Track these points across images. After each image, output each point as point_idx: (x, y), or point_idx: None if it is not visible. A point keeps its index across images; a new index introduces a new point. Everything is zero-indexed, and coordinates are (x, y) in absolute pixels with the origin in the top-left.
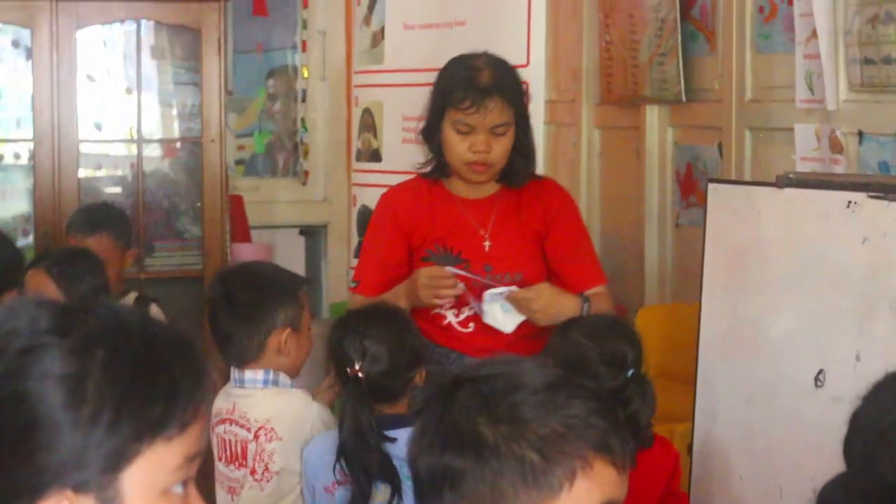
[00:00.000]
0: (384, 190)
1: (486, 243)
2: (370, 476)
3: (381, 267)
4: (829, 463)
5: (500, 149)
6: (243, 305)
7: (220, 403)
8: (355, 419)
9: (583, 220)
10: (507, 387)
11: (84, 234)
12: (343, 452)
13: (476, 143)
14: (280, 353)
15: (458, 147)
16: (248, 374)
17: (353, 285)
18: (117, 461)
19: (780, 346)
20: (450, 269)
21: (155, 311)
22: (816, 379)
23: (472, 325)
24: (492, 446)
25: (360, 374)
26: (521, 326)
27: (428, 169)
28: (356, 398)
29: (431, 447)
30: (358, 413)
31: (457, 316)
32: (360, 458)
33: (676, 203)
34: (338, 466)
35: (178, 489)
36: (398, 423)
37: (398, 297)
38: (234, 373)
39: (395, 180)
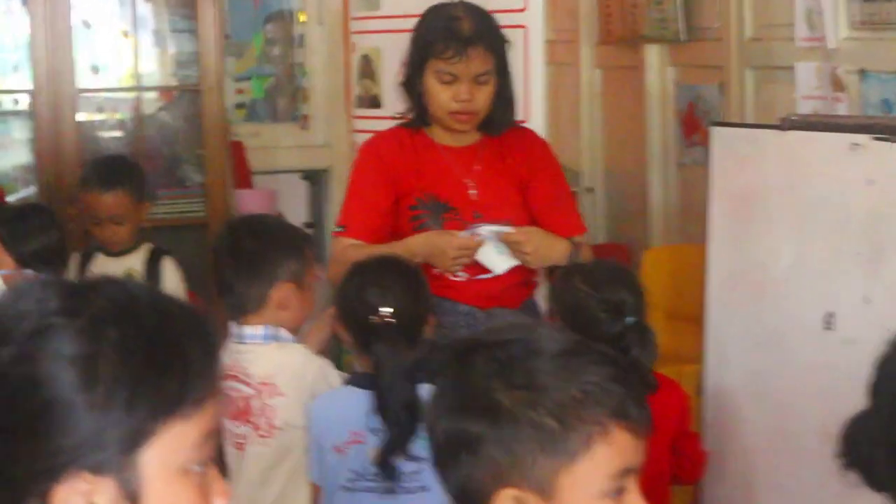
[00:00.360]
0: None
1: (472, 192)
2: (415, 420)
3: (370, 212)
4: (840, 405)
5: (482, 97)
6: (248, 255)
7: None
8: (397, 363)
9: (561, 169)
10: (524, 352)
11: (100, 190)
12: (382, 401)
13: (459, 93)
14: (281, 308)
15: (442, 96)
16: (248, 329)
17: (339, 230)
18: (134, 441)
19: (788, 289)
20: (467, 233)
21: (169, 262)
22: (826, 321)
23: (462, 274)
24: (508, 412)
25: (389, 320)
26: (511, 273)
27: (409, 118)
28: (394, 343)
29: (449, 412)
30: (399, 357)
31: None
32: (404, 402)
33: (679, 142)
34: (354, 423)
35: (197, 468)
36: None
37: (410, 251)
38: (234, 328)
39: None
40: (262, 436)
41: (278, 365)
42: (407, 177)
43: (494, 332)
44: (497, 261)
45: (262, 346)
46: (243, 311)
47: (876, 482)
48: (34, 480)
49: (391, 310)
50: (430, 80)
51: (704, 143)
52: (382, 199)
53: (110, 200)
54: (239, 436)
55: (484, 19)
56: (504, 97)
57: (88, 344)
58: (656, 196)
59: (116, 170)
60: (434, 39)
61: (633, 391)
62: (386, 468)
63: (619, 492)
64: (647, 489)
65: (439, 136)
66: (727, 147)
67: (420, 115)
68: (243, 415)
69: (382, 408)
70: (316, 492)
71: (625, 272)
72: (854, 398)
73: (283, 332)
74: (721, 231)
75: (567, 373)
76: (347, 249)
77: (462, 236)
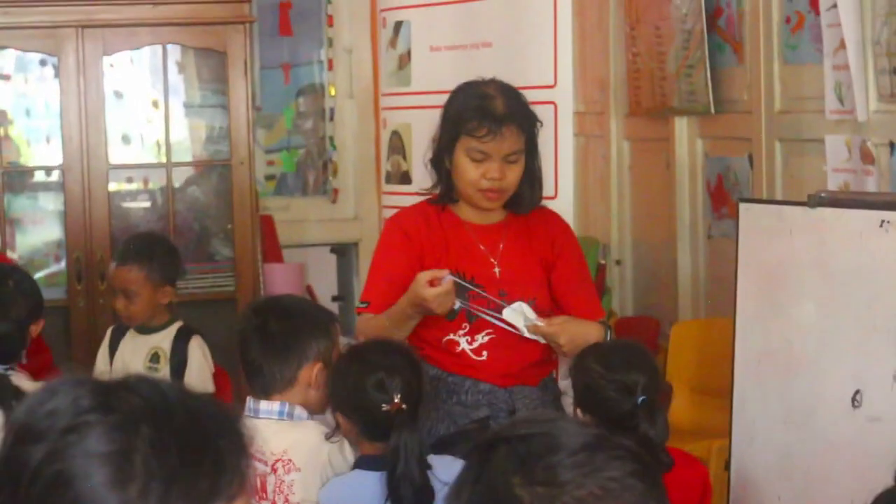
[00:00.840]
0: None
1: (497, 269)
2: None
3: (393, 286)
4: (868, 484)
5: (512, 176)
6: (276, 337)
7: None
8: (415, 450)
9: (582, 253)
10: (545, 447)
11: (117, 263)
12: (396, 486)
13: (490, 171)
14: (310, 387)
15: (472, 174)
16: (264, 405)
17: (362, 305)
18: None
19: (816, 366)
20: (450, 278)
21: (196, 342)
22: (853, 399)
23: (485, 353)
24: None
25: (403, 406)
26: (531, 352)
27: (435, 195)
28: (411, 429)
29: None
30: (415, 444)
31: (470, 343)
32: (417, 487)
33: (708, 215)
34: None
35: None
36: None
37: (404, 312)
38: (250, 402)
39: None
40: None
41: (294, 441)
42: (433, 252)
43: (515, 425)
44: (523, 326)
45: (276, 423)
46: (271, 390)
47: None
48: None
49: (398, 397)
50: (460, 157)
51: (734, 215)
52: (407, 275)
53: (122, 274)
54: None
55: (516, 98)
56: (532, 176)
57: (122, 441)
58: (685, 269)
59: (138, 245)
60: (467, 117)
61: (654, 487)
62: None
63: None
64: None
65: (465, 213)
66: (755, 223)
67: (447, 191)
68: (261, 490)
69: (395, 492)
70: None
71: (639, 353)
72: (881, 476)
73: (298, 410)
74: (749, 306)
75: (587, 468)
76: (370, 322)
77: (433, 276)
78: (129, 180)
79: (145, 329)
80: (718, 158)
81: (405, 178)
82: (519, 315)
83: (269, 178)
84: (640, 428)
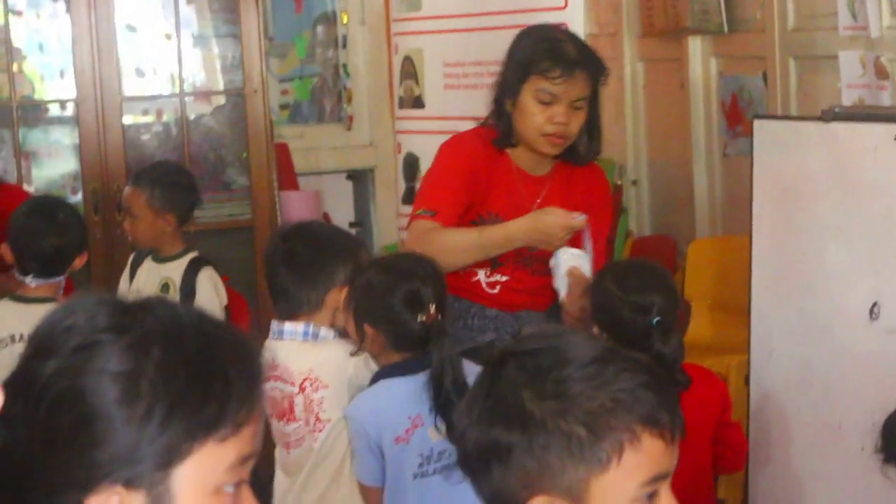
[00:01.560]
0: (428, 137)
1: None
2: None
3: (457, 202)
4: (887, 394)
5: (577, 123)
6: (304, 262)
7: (267, 354)
8: (454, 356)
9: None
10: (554, 361)
11: (128, 184)
12: (439, 393)
13: (557, 115)
14: (337, 311)
15: (538, 117)
16: (288, 325)
17: (427, 213)
18: (169, 458)
19: (834, 279)
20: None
21: (206, 274)
22: (871, 311)
23: (498, 287)
24: (539, 422)
25: (438, 317)
26: (539, 281)
27: (491, 126)
28: (447, 338)
29: (479, 422)
30: (454, 351)
31: (487, 277)
32: (457, 388)
33: (723, 133)
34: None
35: (230, 489)
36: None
37: (512, 236)
38: (274, 325)
39: (439, 126)
40: (310, 431)
41: (319, 359)
42: (478, 191)
43: (524, 340)
44: (562, 283)
45: (300, 344)
46: (298, 314)
47: None
48: (69, 490)
49: (433, 308)
50: (526, 98)
51: (748, 133)
52: (463, 199)
53: (127, 195)
54: (286, 434)
55: (586, 46)
56: (592, 127)
57: (132, 362)
58: (701, 187)
59: (148, 171)
60: (539, 58)
61: (665, 397)
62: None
63: (651, 497)
64: (691, 481)
65: (519, 159)
66: (770, 139)
67: (507, 136)
68: (289, 412)
69: (440, 397)
70: (374, 494)
71: (656, 273)
72: None
73: (324, 331)
74: (765, 223)
75: (597, 381)
76: (432, 232)
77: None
78: (144, 112)
79: (160, 258)
80: (732, 77)
81: (418, 103)
82: (569, 261)
83: (283, 107)
84: (653, 347)
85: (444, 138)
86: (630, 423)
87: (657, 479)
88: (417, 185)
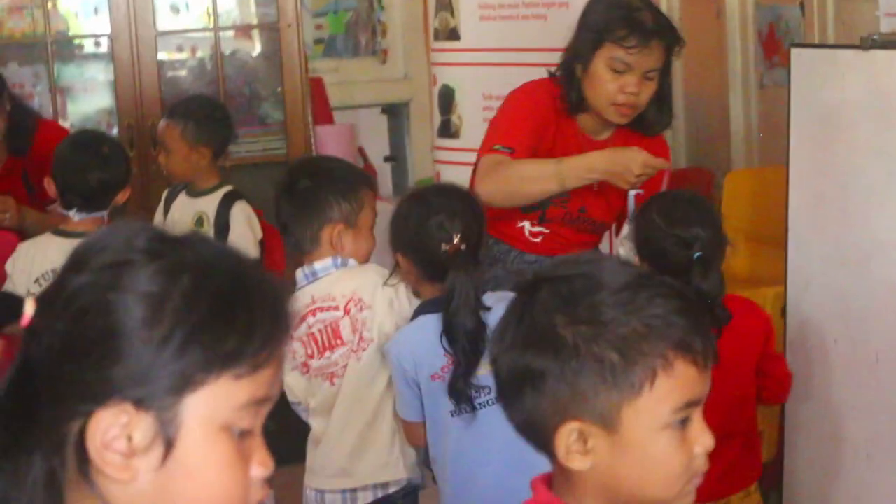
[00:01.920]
0: (464, 69)
1: (594, 184)
2: (479, 348)
3: (532, 142)
4: None
5: (647, 93)
6: (301, 196)
7: (300, 303)
8: (470, 290)
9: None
10: (587, 287)
11: (163, 118)
12: (449, 326)
13: (629, 84)
14: (333, 249)
15: (610, 86)
16: (317, 264)
17: (504, 150)
18: (181, 385)
19: (870, 208)
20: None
21: (240, 207)
22: None
23: (540, 237)
24: (571, 347)
25: (462, 247)
26: (580, 234)
27: (559, 75)
28: (468, 270)
29: (512, 347)
30: (471, 284)
31: (532, 226)
32: (472, 328)
33: (760, 64)
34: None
35: (240, 430)
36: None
37: (591, 168)
38: (304, 270)
39: (475, 58)
40: (354, 351)
41: (360, 282)
42: (543, 147)
43: (557, 266)
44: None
45: (337, 272)
46: (301, 250)
47: None
48: (82, 401)
49: (457, 238)
50: (599, 66)
51: (785, 64)
52: (535, 145)
53: (162, 129)
54: (331, 364)
55: (663, 15)
56: (662, 97)
57: (161, 285)
58: (737, 118)
59: (183, 104)
60: (615, 26)
61: (698, 323)
62: (458, 395)
63: (683, 423)
64: (733, 411)
65: (585, 123)
66: (808, 68)
67: (579, 102)
68: (335, 338)
69: (449, 334)
70: (415, 429)
71: (702, 207)
72: None
73: (352, 260)
74: (802, 153)
75: (630, 307)
76: (506, 162)
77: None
78: (179, 49)
79: (194, 192)
80: (769, 7)
81: (453, 35)
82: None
83: (318, 41)
84: (693, 282)
85: (480, 71)
86: (663, 349)
87: (690, 405)
88: (453, 118)
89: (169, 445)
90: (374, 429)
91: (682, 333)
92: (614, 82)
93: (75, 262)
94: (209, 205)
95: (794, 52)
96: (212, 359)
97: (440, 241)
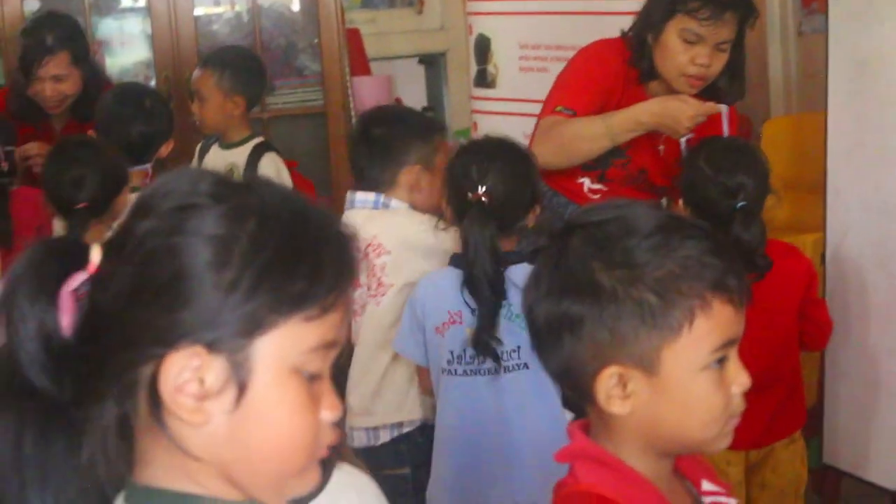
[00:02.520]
0: (500, 18)
1: (661, 147)
2: (499, 298)
3: (595, 102)
4: None
5: (718, 64)
6: (377, 140)
7: None
8: (482, 240)
9: None
10: (620, 231)
11: (198, 67)
12: (469, 277)
13: (700, 56)
14: (413, 190)
15: (681, 57)
16: (360, 195)
17: (567, 112)
18: (251, 327)
19: None
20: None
21: (269, 158)
22: None
23: (598, 195)
24: (609, 291)
25: (483, 199)
26: (641, 192)
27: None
28: (482, 220)
29: (549, 294)
30: (484, 234)
31: (592, 182)
32: (488, 278)
33: (798, 10)
34: (452, 302)
35: (310, 373)
36: (510, 259)
37: (636, 120)
38: (348, 196)
39: (510, 7)
40: (372, 296)
41: (383, 225)
42: (607, 110)
43: (589, 213)
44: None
45: (370, 211)
46: (375, 191)
47: None
48: (153, 344)
49: (482, 189)
50: (670, 36)
51: (823, 10)
52: (598, 109)
53: (197, 77)
54: (354, 302)
55: None
56: (735, 68)
57: (227, 227)
58: (775, 66)
59: (219, 53)
60: None
61: (732, 263)
62: (482, 348)
63: (721, 362)
64: (777, 355)
65: (653, 90)
66: (846, 13)
67: (648, 70)
68: None
69: (471, 285)
70: (422, 372)
71: (750, 156)
72: None
73: (395, 202)
74: (841, 98)
75: (665, 249)
76: (558, 124)
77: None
78: (216, 2)
79: (226, 144)
80: None
81: None
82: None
83: None
84: (733, 231)
85: (516, 20)
86: (700, 289)
87: (727, 344)
88: (489, 68)
89: (241, 388)
90: (392, 371)
91: (718, 273)
92: (686, 53)
93: (141, 208)
94: (240, 156)
95: None
96: (281, 301)
97: (465, 189)
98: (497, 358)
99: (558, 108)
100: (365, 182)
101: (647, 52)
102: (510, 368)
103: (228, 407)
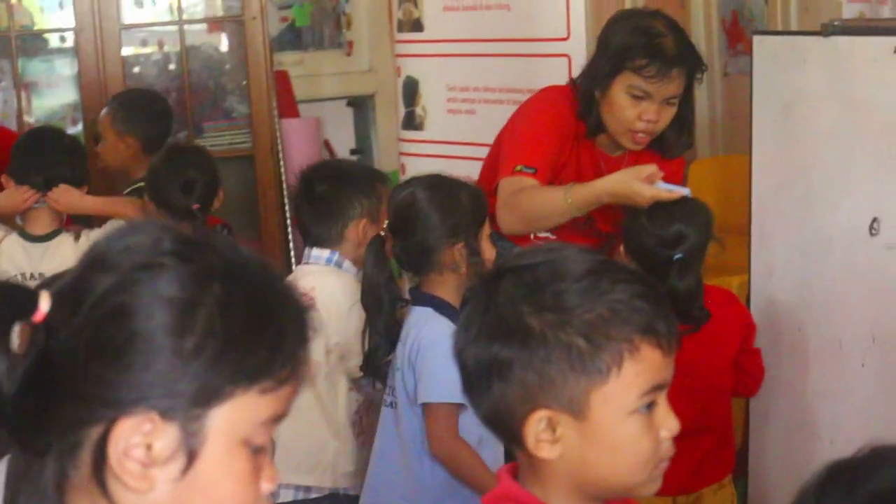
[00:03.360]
0: (428, 60)
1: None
2: (389, 336)
3: (554, 165)
4: (887, 312)
5: (666, 119)
6: (321, 197)
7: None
8: (371, 275)
9: None
10: (551, 275)
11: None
12: (365, 307)
13: (647, 112)
14: (360, 245)
15: (628, 112)
16: (316, 251)
17: (528, 171)
18: (209, 397)
19: (833, 195)
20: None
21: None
22: (871, 227)
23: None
24: (539, 335)
25: (381, 234)
26: (589, 237)
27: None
28: (374, 255)
29: (478, 338)
30: (373, 270)
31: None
32: (372, 316)
33: (724, 52)
34: None
35: (257, 446)
36: (418, 299)
37: (598, 197)
38: (306, 251)
39: (438, 49)
40: None
41: (324, 282)
42: (561, 160)
43: (520, 256)
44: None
45: (322, 267)
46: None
47: None
48: (106, 406)
49: (384, 224)
50: (617, 92)
51: (748, 52)
52: (557, 160)
53: (100, 115)
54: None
55: (685, 38)
56: (683, 120)
57: (192, 291)
58: (701, 107)
59: (122, 94)
60: (635, 54)
61: (661, 307)
62: (371, 371)
63: (650, 407)
64: (710, 404)
65: (601, 141)
66: (770, 55)
67: (595, 126)
68: None
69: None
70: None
71: (690, 205)
72: None
73: (347, 263)
74: (765, 140)
75: (594, 292)
76: (522, 192)
77: (660, 187)
78: (144, 43)
79: (134, 182)
80: None
81: (417, 26)
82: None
83: (284, 34)
84: (668, 280)
85: (444, 62)
86: (629, 333)
87: (656, 388)
88: (417, 110)
89: (191, 457)
90: (312, 431)
91: (647, 317)
92: (633, 109)
93: (98, 261)
94: None
95: (757, 39)
96: (241, 371)
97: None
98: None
99: (519, 168)
100: (311, 239)
101: (594, 107)
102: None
103: (175, 475)
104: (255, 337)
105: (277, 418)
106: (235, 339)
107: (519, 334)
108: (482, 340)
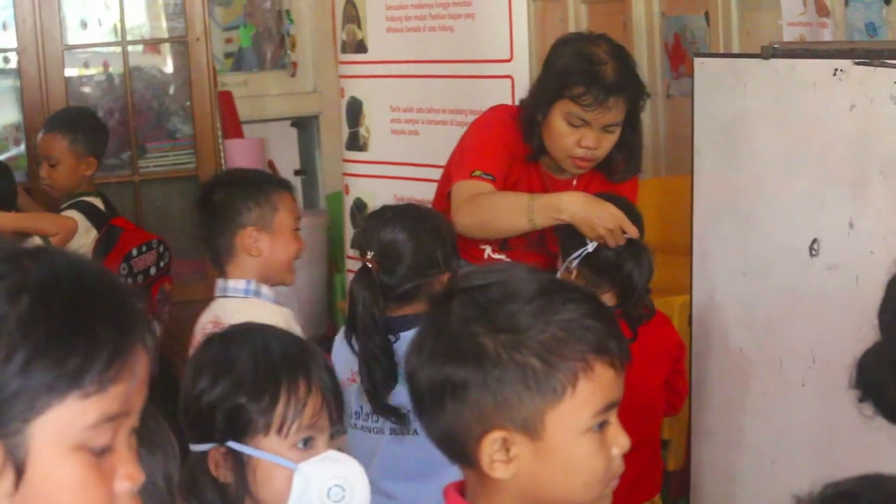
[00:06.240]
0: (372, 81)
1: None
2: (383, 369)
3: (505, 178)
4: (827, 332)
5: (607, 145)
6: (212, 207)
7: (204, 317)
8: (364, 303)
9: None
10: (503, 295)
11: (44, 131)
12: (350, 341)
13: (586, 138)
14: (250, 254)
15: (567, 139)
16: (231, 283)
17: (488, 177)
18: (25, 410)
19: (773, 216)
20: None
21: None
22: (811, 248)
23: (498, 255)
24: (493, 356)
25: (369, 264)
26: (538, 256)
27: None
28: (363, 286)
29: (431, 359)
30: (363, 301)
31: (494, 252)
32: (364, 348)
33: (666, 74)
34: (353, 363)
35: (97, 448)
36: (406, 324)
37: (561, 208)
38: (220, 283)
39: (381, 70)
40: None
41: (251, 316)
42: (508, 180)
43: (469, 277)
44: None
45: (242, 300)
46: (219, 262)
47: (888, 411)
48: None
49: (370, 254)
50: (556, 118)
51: (690, 74)
52: (506, 172)
53: (47, 142)
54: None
55: (627, 65)
56: (630, 145)
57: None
58: (645, 129)
59: (64, 116)
60: (574, 81)
61: (612, 326)
62: (381, 409)
63: (602, 425)
64: (642, 420)
65: (546, 162)
66: (711, 77)
67: (538, 150)
68: None
69: (358, 346)
70: None
71: (624, 205)
72: (839, 322)
73: (265, 290)
74: (706, 161)
75: (547, 312)
76: (485, 194)
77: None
78: (87, 65)
79: (71, 197)
80: (675, 17)
81: (361, 47)
82: None
83: (228, 55)
84: (624, 267)
85: (387, 83)
86: (582, 352)
87: (609, 407)
88: (361, 131)
89: (19, 471)
90: None
91: (599, 336)
92: (572, 136)
93: None
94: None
95: (698, 61)
96: (54, 381)
97: (362, 256)
98: (402, 417)
99: (476, 173)
100: (208, 252)
101: (536, 130)
102: (400, 432)
103: (8, 490)
104: (63, 345)
105: (114, 417)
106: (42, 349)
107: (473, 355)
108: (435, 361)
